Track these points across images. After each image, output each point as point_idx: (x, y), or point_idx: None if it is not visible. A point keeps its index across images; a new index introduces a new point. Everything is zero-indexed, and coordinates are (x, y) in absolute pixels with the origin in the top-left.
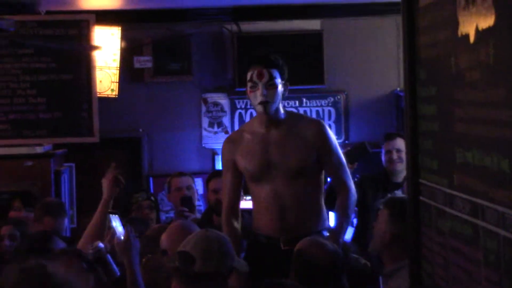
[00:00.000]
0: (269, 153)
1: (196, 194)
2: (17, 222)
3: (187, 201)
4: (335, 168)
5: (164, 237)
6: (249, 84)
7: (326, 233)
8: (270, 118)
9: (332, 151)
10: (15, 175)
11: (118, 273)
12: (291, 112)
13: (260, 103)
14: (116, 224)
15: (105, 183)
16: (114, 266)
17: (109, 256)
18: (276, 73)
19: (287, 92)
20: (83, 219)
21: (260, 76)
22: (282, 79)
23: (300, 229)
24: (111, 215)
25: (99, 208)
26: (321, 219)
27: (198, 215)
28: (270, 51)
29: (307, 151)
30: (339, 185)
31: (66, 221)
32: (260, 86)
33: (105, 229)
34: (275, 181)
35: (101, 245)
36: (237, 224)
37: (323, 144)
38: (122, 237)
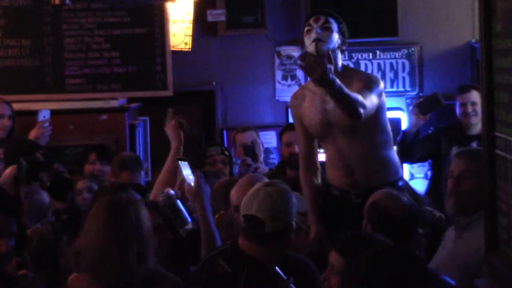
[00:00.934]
0: (327, 112)
1: (262, 147)
2: (91, 176)
3: (249, 150)
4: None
5: (233, 193)
6: (305, 29)
7: (401, 183)
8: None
9: (366, 89)
10: (90, 129)
11: (189, 220)
12: (348, 68)
13: (313, 40)
14: (186, 171)
15: (169, 130)
16: (186, 212)
17: (179, 202)
18: (332, 21)
19: (343, 49)
20: (155, 171)
21: (316, 20)
22: (339, 30)
23: (371, 182)
24: (180, 162)
25: (169, 156)
26: (391, 170)
27: (266, 167)
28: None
29: None
30: None
31: (142, 174)
32: (315, 27)
33: (176, 176)
34: (336, 140)
35: (172, 192)
36: (315, 179)
37: (361, 86)
38: (193, 184)
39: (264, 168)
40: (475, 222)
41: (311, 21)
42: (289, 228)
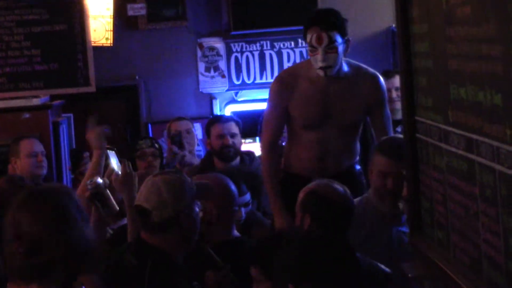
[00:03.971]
0: (328, 105)
1: (196, 139)
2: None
3: (176, 139)
4: (384, 123)
5: None
6: (309, 48)
7: (358, 166)
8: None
9: (384, 106)
10: (13, 128)
11: (118, 208)
12: (352, 64)
13: (320, 68)
14: (113, 160)
15: (91, 138)
16: (113, 201)
17: (108, 192)
18: (336, 36)
19: (349, 48)
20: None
21: (319, 40)
22: (343, 38)
23: (338, 168)
24: (108, 151)
25: (92, 163)
26: (355, 155)
27: (198, 160)
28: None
29: (363, 107)
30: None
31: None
32: (320, 50)
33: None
34: (326, 130)
35: (100, 181)
36: (277, 163)
37: (377, 100)
38: (120, 173)
39: (194, 159)
40: None
41: (313, 41)
42: (180, 216)
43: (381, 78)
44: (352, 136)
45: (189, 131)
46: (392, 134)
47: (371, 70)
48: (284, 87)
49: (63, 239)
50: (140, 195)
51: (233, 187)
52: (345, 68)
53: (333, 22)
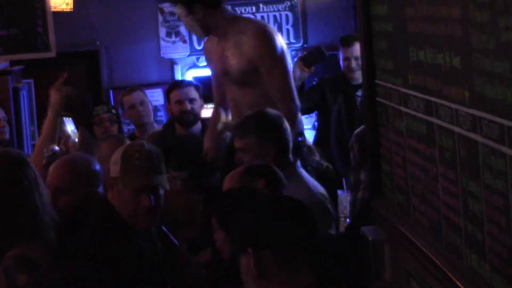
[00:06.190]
0: (223, 60)
1: (151, 106)
2: None
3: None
4: (269, 83)
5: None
6: None
7: (300, 138)
8: (215, 33)
9: (270, 65)
10: None
11: None
12: (236, 20)
13: None
14: (71, 127)
15: (53, 93)
16: None
17: None
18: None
19: (208, 13)
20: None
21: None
22: (189, 11)
23: None
24: (64, 118)
25: (48, 116)
26: None
27: (156, 126)
28: None
29: (246, 60)
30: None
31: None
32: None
33: (56, 134)
34: (232, 89)
35: (57, 148)
36: (223, 114)
37: (260, 55)
38: (77, 139)
39: (155, 127)
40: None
41: None
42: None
43: (268, 32)
44: (258, 99)
45: (142, 103)
46: (281, 98)
47: (257, 24)
48: (208, 44)
49: (22, 205)
50: None
51: None
52: (227, 23)
53: None
